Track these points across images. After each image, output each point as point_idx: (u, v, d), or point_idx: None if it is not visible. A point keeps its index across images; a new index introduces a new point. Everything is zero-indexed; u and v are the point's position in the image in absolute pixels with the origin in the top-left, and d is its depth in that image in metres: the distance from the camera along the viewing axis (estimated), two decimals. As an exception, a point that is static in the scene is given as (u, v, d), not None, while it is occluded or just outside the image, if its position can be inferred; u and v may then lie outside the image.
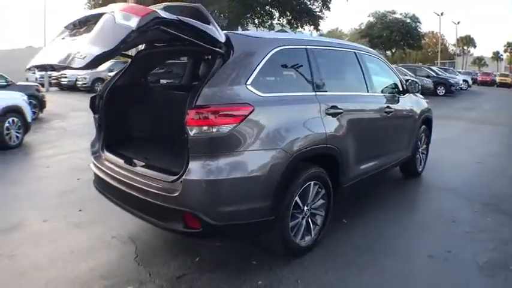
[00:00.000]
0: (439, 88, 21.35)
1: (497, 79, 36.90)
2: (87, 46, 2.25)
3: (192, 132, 2.38)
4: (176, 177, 2.48)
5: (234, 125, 2.43)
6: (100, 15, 2.43)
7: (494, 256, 3.16)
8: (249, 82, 2.61)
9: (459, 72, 33.64)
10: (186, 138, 2.40)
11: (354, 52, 3.95)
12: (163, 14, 2.33)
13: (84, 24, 2.67)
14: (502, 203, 4.42)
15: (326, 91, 3.28)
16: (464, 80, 27.55)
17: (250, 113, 2.50)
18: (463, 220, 3.90)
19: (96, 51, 2.17)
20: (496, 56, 72.24)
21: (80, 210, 3.93)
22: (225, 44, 2.64)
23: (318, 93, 3.15)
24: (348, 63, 3.95)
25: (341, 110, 3.25)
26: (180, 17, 2.41)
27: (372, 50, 4.63)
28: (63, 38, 2.77)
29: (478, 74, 40.97)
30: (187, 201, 2.43)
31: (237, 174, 2.48)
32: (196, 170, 2.41)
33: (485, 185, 5.15)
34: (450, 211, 4.13)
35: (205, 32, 2.50)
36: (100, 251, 3.12)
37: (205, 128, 2.38)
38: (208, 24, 2.55)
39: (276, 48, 2.91)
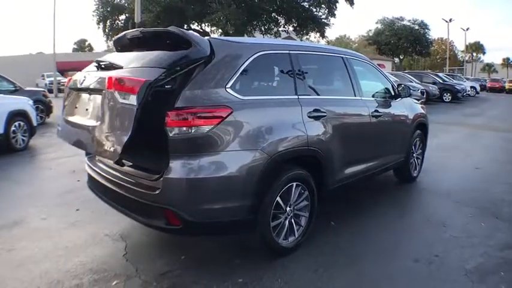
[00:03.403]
0: (445, 95, 21.35)
1: (506, 85, 36.51)
2: (113, 138, 2.59)
3: (172, 132, 2.50)
4: (158, 175, 2.59)
5: (212, 126, 2.55)
6: (100, 91, 2.76)
7: (484, 261, 3.13)
8: (228, 85, 2.72)
9: (467, 78, 33.44)
10: (166, 139, 2.51)
11: (341, 57, 4.01)
12: (151, 75, 2.50)
13: (89, 93, 3.02)
14: (497, 209, 4.37)
15: (309, 95, 3.37)
16: (472, 87, 27.40)
17: (229, 115, 2.61)
18: (455, 225, 3.86)
19: (123, 140, 2.48)
20: (506, 63, 71.51)
21: (77, 210, 4.10)
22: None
23: (300, 96, 3.23)
24: (334, 68, 4.04)
25: (324, 114, 3.33)
26: (167, 65, 2.57)
27: (362, 55, 4.68)
28: (76, 107, 3.20)
29: (487, 81, 40.61)
30: (167, 199, 2.54)
31: (215, 173, 2.58)
32: (175, 168, 2.52)
33: (481, 190, 5.09)
34: (442, 216, 4.11)
35: (190, 60, 2.65)
36: (92, 247, 3.26)
37: (184, 128, 2.49)
38: (190, 45, 2.70)
39: (257, 53, 3.01)
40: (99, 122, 2.74)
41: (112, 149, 2.56)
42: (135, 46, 3.24)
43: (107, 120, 2.67)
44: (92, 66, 3.22)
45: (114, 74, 2.72)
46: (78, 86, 3.12)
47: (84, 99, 3.13)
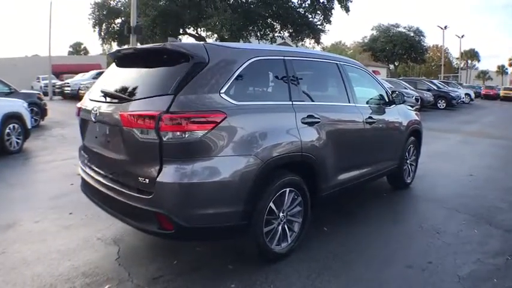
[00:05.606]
0: (439, 101, 21.41)
1: (501, 93, 36.72)
2: (144, 171, 2.63)
3: (166, 137, 2.50)
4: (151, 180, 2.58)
5: (206, 131, 2.55)
6: (116, 125, 2.77)
7: (477, 268, 3.13)
8: (222, 90, 2.72)
9: (461, 85, 33.63)
10: (160, 143, 2.51)
11: (336, 63, 4.03)
12: (162, 105, 2.52)
13: (105, 125, 2.99)
14: (490, 215, 4.36)
15: (303, 100, 3.37)
16: (466, 94, 27.56)
17: (223, 120, 2.61)
18: (448, 232, 3.86)
19: (155, 171, 2.55)
20: (501, 70, 72.07)
21: (70, 213, 4.09)
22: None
23: (294, 102, 3.24)
24: (328, 74, 4.05)
25: (318, 120, 3.34)
26: (174, 90, 2.57)
27: (356, 61, 4.70)
28: (96, 137, 3.18)
29: (482, 88, 40.91)
30: (160, 203, 2.54)
31: (209, 178, 2.58)
32: (169, 173, 2.52)
33: (475, 197, 5.09)
34: (435, 222, 4.10)
35: (193, 74, 2.67)
36: (85, 251, 3.25)
37: (178, 133, 2.49)
38: (188, 59, 2.72)
39: (252, 58, 3.01)
40: (125, 156, 2.78)
41: (147, 181, 2.59)
42: (132, 61, 3.24)
43: (132, 154, 2.73)
44: (98, 96, 3.14)
45: (125, 110, 2.72)
46: (93, 119, 3.08)
47: (102, 131, 3.08)
